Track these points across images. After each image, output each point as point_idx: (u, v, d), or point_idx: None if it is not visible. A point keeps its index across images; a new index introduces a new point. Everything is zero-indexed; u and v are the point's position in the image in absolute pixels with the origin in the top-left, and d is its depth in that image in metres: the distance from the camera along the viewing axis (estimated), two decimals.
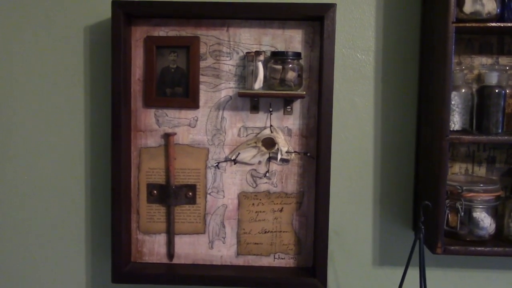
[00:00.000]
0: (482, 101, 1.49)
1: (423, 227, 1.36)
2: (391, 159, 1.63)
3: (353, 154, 1.63)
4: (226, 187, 1.62)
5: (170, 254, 1.64)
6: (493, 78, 1.50)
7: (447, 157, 1.44)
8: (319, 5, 1.51)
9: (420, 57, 1.60)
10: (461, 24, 1.41)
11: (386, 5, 1.61)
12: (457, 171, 1.62)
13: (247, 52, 1.56)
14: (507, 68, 1.57)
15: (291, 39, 1.58)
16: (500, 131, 1.47)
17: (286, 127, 1.60)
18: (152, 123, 1.62)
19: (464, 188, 1.49)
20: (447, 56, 1.40)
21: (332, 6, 1.50)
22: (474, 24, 1.43)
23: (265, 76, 1.55)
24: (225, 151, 1.61)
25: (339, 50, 1.60)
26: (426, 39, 1.56)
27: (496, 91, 1.48)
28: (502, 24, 1.44)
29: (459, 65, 1.59)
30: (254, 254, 1.64)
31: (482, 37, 1.59)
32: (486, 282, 1.66)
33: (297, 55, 1.54)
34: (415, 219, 1.61)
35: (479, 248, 1.47)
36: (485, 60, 1.60)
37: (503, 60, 1.60)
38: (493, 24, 1.44)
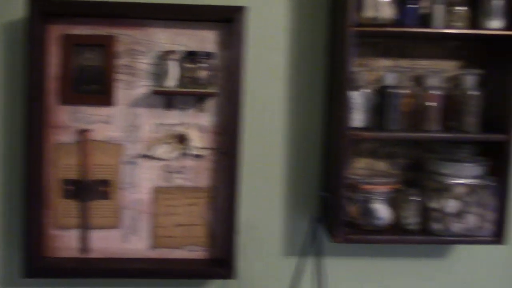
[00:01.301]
0: (381, 100, 1.60)
1: (321, 217, 1.45)
2: (299, 154, 1.72)
3: (264, 150, 1.71)
4: (141, 182, 1.66)
5: (85, 248, 1.67)
6: (390, 79, 1.61)
7: (346, 152, 1.54)
8: (229, 7, 1.59)
9: (326, 58, 1.70)
10: (359, 28, 1.51)
11: (297, 8, 1.69)
12: (360, 166, 1.72)
13: (161, 51, 1.62)
14: (405, 70, 1.68)
15: (205, 39, 1.65)
16: (396, 128, 1.58)
17: (199, 124, 1.66)
18: (68, 120, 1.64)
19: (363, 180, 1.59)
20: (345, 57, 1.50)
21: (241, 9, 1.58)
22: (372, 29, 1.54)
23: (179, 75, 1.60)
24: (140, 147, 1.66)
25: (251, 50, 1.68)
26: (331, 41, 1.66)
27: (393, 91, 1.59)
28: (397, 29, 1.55)
29: (363, 66, 1.69)
30: (167, 247, 1.68)
31: (386, 41, 1.70)
32: (385, 269, 1.77)
33: (209, 55, 1.60)
34: (324, 211, 1.71)
35: (376, 237, 1.58)
36: (388, 62, 1.71)
37: (404, 62, 1.71)
38: (389, 29, 1.55)
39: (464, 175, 1.58)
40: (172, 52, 1.60)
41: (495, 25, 1.56)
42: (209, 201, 1.68)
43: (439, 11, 1.57)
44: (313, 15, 1.70)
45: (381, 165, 1.73)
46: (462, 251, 1.79)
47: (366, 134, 1.57)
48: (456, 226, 1.58)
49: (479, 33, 1.57)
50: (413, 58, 1.71)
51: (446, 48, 1.70)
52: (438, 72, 1.67)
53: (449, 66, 1.70)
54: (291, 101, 1.71)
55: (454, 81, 1.66)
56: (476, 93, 1.59)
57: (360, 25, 1.52)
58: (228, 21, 1.62)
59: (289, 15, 1.70)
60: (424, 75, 1.65)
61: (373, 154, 1.73)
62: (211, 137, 1.66)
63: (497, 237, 1.60)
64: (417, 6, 1.57)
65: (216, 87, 1.64)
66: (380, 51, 1.71)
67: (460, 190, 1.58)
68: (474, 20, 1.59)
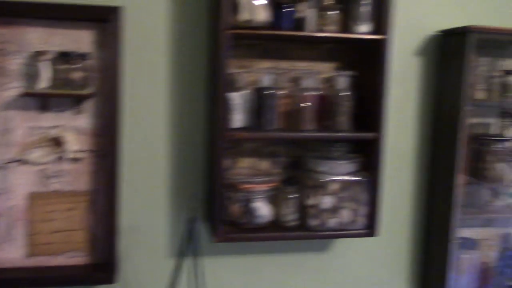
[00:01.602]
0: (259, 101, 1.64)
1: (197, 217, 1.46)
2: (182, 155, 1.72)
3: (145, 151, 1.70)
4: (15, 188, 1.59)
5: None
6: (268, 81, 1.65)
7: (226, 152, 1.56)
8: (104, 7, 1.56)
9: (206, 60, 1.71)
10: (234, 31, 1.54)
11: (177, 10, 1.69)
12: (244, 165, 1.75)
13: (33, 51, 1.56)
14: (284, 71, 1.73)
15: (81, 40, 1.60)
16: (273, 128, 1.63)
17: (77, 126, 1.62)
18: None
19: (243, 180, 1.62)
20: (222, 59, 1.53)
21: (117, 9, 1.55)
22: (247, 31, 1.56)
23: (52, 76, 1.55)
24: (12, 152, 1.58)
25: (130, 51, 1.65)
26: (210, 43, 1.68)
27: (270, 92, 1.63)
28: (272, 32, 1.59)
29: (243, 68, 1.72)
30: (46, 255, 1.63)
31: (264, 43, 1.74)
32: (267, 265, 1.83)
33: (84, 56, 1.57)
34: (206, 211, 1.72)
35: (257, 235, 1.62)
36: (267, 63, 1.75)
37: (283, 64, 1.76)
38: (264, 32, 1.58)
39: (337, 172, 1.65)
40: (44, 52, 1.55)
41: (363, 29, 1.64)
42: (89, 205, 1.64)
43: (312, 15, 1.63)
44: (193, 17, 1.70)
45: (264, 164, 1.78)
46: (340, 244, 1.88)
47: (245, 134, 1.60)
48: (332, 221, 1.66)
49: (348, 37, 1.65)
50: (291, 60, 1.76)
51: (321, 51, 1.77)
52: (314, 73, 1.73)
53: (324, 68, 1.77)
54: (173, 102, 1.71)
55: (329, 82, 1.74)
56: (348, 93, 1.68)
57: (235, 27, 1.55)
58: (104, 21, 1.59)
59: (169, 16, 1.69)
60: (300, 76, 1.71)
61: (256, 154, 1.77)
62: (90, 140, 1.63)
63: (370, 230, 1.69)
64: (291, 9, 1.62)
65: (92, 88, 1.60)
66: (259, 53, 1.74)
67: (334, 187, 1.65)
68: (346, 24, 1.67)
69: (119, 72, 1.57)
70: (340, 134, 1.67)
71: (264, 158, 1.78)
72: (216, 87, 1.59)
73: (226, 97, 1.55)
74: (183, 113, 1.72)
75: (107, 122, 1.60)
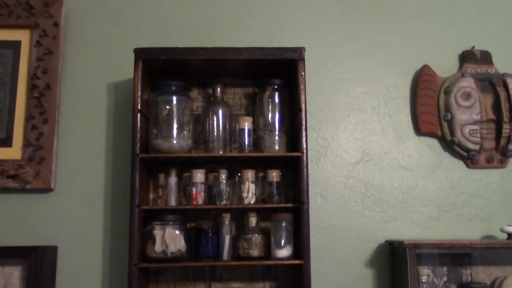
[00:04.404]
0: None
1: None
2: None
3: None
4: None
5: None
6: None
7: None
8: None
9: None
10: (143, 264, 1.52)
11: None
12: None
13: None
14: None
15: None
16: None
17: None
18: None
19: None
20: None
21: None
22: (157, 264, 1.55)
23: None
24: None
25: None
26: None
27: None
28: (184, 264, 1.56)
29: None
30: None
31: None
32: None
33: None
34: None
35: None
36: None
37: (216, 285, 1.69)
38: (176, 264, 1.56)
39: None
40: None
41: (283, 254, 1.57)
42: None
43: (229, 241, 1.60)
44: None
45: None
46: None
47: None
48: None
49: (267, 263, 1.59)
50: (223, 281, 1.70)
51: (254, 270, 1.70)
52: None
53: (259, 287, 1.69)
54: None
55: None
56: None
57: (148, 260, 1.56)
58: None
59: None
60: None
61: None
62: None
63: None
64: (211, 235, 1.61)
65: None
66: (188, 275, 1.71)
67: None
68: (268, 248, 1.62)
69: None
70: None
71: None
72: None
73: None
74: None
75: None
